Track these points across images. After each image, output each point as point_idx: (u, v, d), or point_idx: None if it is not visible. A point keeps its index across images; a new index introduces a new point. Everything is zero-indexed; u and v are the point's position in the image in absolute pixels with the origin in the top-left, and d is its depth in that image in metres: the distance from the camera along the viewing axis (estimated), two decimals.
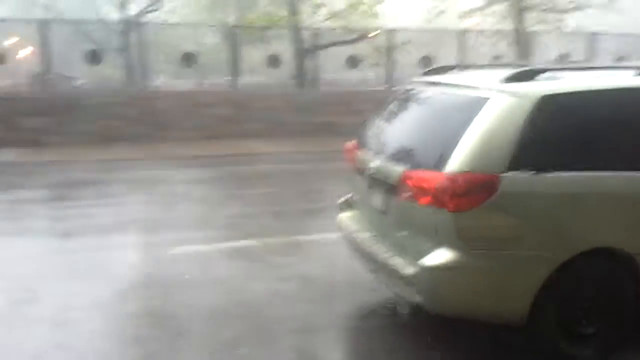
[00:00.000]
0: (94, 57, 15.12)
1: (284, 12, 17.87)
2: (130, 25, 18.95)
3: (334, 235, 5.84)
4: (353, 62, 16.35)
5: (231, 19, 22.35)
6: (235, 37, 15.94)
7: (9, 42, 18.91)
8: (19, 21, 17.43)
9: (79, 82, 17.48)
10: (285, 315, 4.26)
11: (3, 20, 15.49)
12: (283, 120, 15.12)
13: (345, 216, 4.51)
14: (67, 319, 4.18)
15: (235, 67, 15.63)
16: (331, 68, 18.41)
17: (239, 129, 14.67)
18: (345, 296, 4.67)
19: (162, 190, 9.17)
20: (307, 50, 16.95)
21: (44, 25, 14.01)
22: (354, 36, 16.97)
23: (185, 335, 3.95)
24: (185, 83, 18.51)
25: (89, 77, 18.49)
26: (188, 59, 15.55)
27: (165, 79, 20.50)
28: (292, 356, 3.77)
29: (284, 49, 17.31)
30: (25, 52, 20.97)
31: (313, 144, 13.85)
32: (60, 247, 6.22)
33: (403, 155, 3.76)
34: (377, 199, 3.91)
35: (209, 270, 5.26)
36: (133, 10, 21.35)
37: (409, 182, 3.50)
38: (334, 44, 17.18)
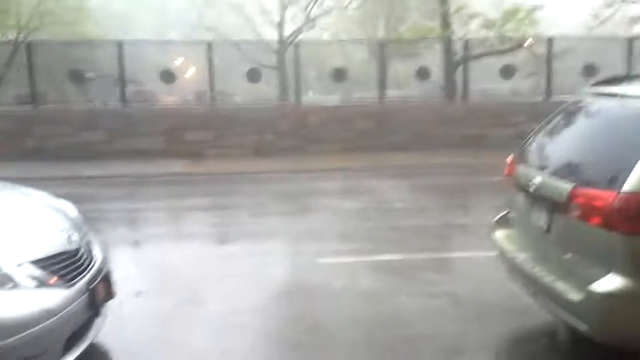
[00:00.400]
0: (253, 75, 16.07)
1: (435, 24, 17.64)
2: (285, 44, 19.94)
3: (486, 254, 5.59)
4: (507, 72, 15.63)
5: (380, 34, 22.56)
6: (383, 52, 16.03)
7: (177, 63, 20.72)
8: (186, 43, 19.09)
9: (237, 99, 18.67)
10: (434, 333, 4.11)
11: (173, 42, 17.03)
12: (429, 133, 14.87)
13: (501, 234, 4.25)
14: (227, 321, 4.40)
15: (382, 81, 15.70)
16: (483, 79, 17.78)
17: (383, 142, 14.69)
18: (499, 317, 4.41)
19: (310, 202, 9.45)
20: (457, 61, 16.54)
21: (208, 47, 15.16)
22: (509, 45, 16.25)
23: (337, 344, 3.97)
24: (333, 98, 18.98)
25: (247, 94, 19.64)
26: (338, 74, 15.93)
27: (316, 94, 21.17)
28: None
29: (433, 61, 17.07)
30: (191, 72, 22.93)
31: (460, 157, 13.42)
32: (221, 253, 6.61)
33: (571, 170, 3.48)
34: (539, 217, 3.64)
35: (356, 282, 5.26)
36: (289, 29, 22.45)
37: (578, 200, 3.22)
38: (487, 54, 16.58)
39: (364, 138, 14.74)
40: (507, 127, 14.36)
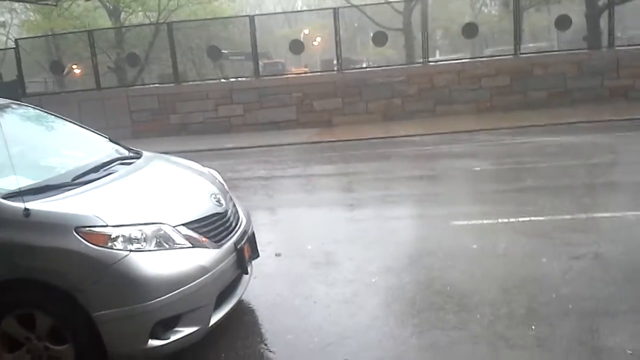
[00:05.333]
0: (379, 39, 15.94)
1: None
2: (411, 4, 19.46)
3: (635, 213, 5.21)
4: None
5: None
6: (517, 2, 15.06)
7: (304, 32, 21.07)
8: (312, 12, 19.33)
9: (364, 64, 18.67)
10: (580, 296, 3.91)
11: (300, 13, 17.31)
12: (570, 87, 13.89)
13: None
14: (362, 282, 4.52)
15: (517, 33, 14.80)
16: (631, 24, 16.11)
17: (519, 99, 13.97)
18: None
19: (441, 165, 9.29)
20: (602, 6, 15.13)
21: (334, 13, 15.23)
22: None
23: (473, 307, 3.92)
24: (463, 56, 18.28)
25: (373, 59, 19.52)
26: (468, 30, 15.28)
27: (443, 54, 20.50)
28: (588, 339, 3.45)
29: (574, 8, 15.75)
30: (318, 40, 23.26)
31: (607, 112, 12.39)
32: (353, 216, 6.74)
33: None
34: None
35: (494, 244, 5.13)
36: None
37: None
38: None
39: (497, 96, 14.12)
40: None
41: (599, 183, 7.27)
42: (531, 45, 19.17)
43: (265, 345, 3.70)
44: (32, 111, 4.45)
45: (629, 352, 3.22)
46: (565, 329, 3.54)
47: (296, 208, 7.36)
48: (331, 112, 14.69)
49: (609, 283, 4.08)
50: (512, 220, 5.75)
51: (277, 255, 5.23)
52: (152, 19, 22.57)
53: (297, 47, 16.15)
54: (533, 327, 3.55)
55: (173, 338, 3.15)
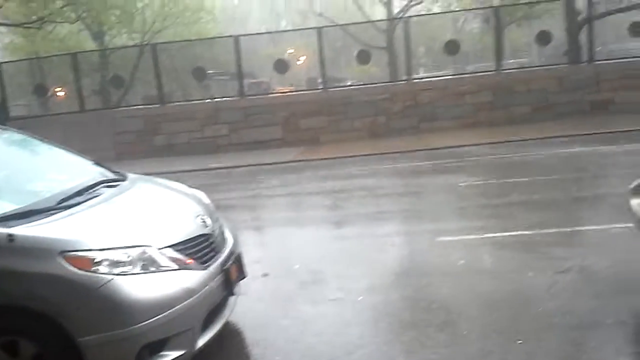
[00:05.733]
0: (362, 57, 16.09)
1: None
2: (394, 22, 19.71)
3: (620, 225, 5.26)
4: (637, 29, 14.29)
5: (495, 1, 21.54)
6: (499, 18, 15.27)
7: (289, 52, 21.20)
8: (296, 32, 19.50)
9: (348, 82, 18.80)
10: (565, 310, 3.93)
11: (284, 32, 17.42)
12: (552, 102, 14.08)
13: (637, 202, 3.95)
14: (349, 301, 4.51)
15: (498, 50, 15.02)
16: (610, 39, 16.41)
17: (502, 114, 14.12)
18: (637, 292, 4.12)
19: (426, 181, 9.35)
20: (581, 21, 15.41)
21: (318, 33, 15.34)
22: None
23: (457, 323, 3.94)
24: (446, 73, 18.51)
25: (358, 77, 19.65)
26: (450, 47, 15.46)
27: (427, 71, 20.71)
28: (571, 352, 3.47)
29: (554, 24, 16.03)
30: (302, 59, 23.44)
31: (588, 125, 12.55)
32: (340, 234, 6.77)
33: None
34: None
35: (479, 259, 5.16)
36: (397, 7, 22.13)
37: None
38: (614, 11, 15.27)
39: (480, 112, 14.27)
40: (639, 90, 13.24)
41: (583, 196, 7.36)
42: (512, 61, 19.50)
43: None
44: (16, 135, 4.43)
45: None
46: (551, 343, 3.56)
47: (283, 227, 7.35)
48: (317, 130, 14.74)
49: (595, 296, 4.11)
50: (498, 235, 5.79)
51: (265, 275, 5.21)
52: (136, 41, 22.61)
53: (281, 66, 16.24)
54: (520, 341, 3.57)
55: None
